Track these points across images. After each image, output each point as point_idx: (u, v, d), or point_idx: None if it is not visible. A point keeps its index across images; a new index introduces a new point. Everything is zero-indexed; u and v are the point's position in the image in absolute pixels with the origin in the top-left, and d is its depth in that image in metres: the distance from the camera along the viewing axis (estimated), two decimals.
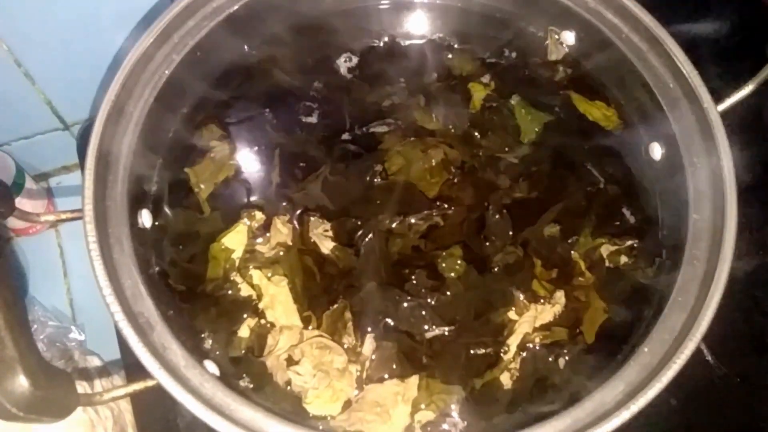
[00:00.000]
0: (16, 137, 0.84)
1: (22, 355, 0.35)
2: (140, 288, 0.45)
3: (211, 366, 0.46)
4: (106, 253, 0.45)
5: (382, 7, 0.62)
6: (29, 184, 0.84)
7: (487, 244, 0.53)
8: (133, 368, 0.42)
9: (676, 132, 0.52)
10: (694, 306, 0.45)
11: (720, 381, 0.60)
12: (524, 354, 0.49)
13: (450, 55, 0.61)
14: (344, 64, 0.61)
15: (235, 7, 0.56)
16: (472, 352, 0.49)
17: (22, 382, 0.34)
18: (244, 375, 0.48)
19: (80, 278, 0.90)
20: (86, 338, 0.85)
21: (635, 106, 0.57)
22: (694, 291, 0.46)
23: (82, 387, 0.73)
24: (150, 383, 0.42)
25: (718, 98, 0.50)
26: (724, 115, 0.50)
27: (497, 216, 0.53)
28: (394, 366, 0.48)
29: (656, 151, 0.55)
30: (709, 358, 0.60)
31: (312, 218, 0.53)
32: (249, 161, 0.57)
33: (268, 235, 0.53)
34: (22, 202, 0.84)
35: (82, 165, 0.74)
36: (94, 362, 0.80)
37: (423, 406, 0.48)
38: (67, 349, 0.80)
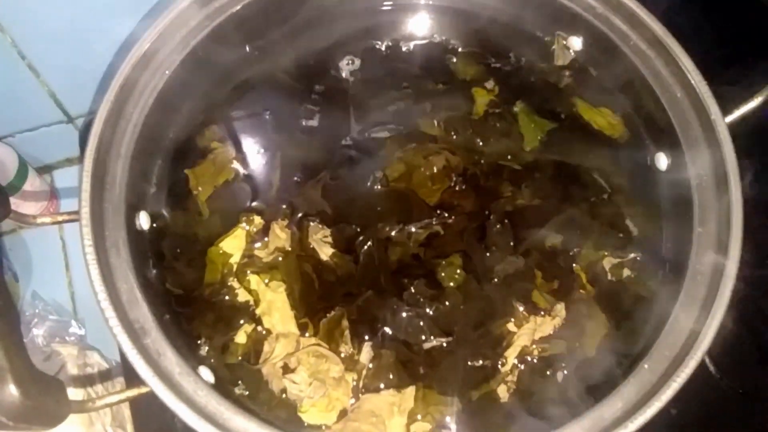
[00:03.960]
0: (20, 129, 0.84)
1: (13, 364, 0.35)
2: (136, 293, 0.45)
3: (205, 372, 0.46)
4: (102, 256, 0.45)
5: (384, 8, 0.61)
6: (32, 176, 0.84)
7: (488, 254, 0.52)
8: (132, 372, 0.41)
9: (682, 142, 0.51)
10: (696, 323, 0.44)
11: (722, 393, 0.59)
12: (522, 367, 0.49)
13: (454, 59, 0.60)
14: (346, 66, 0.60)
15: (238, 7, 0.55)
16: (469, 363, 0.49)
17: (12, 392, 0.34)
18: (240, 382, 0.48)
19: (82, 272, 0.89)
20: (86, 332, 0.85)
21: (642, 114, 0.56)
22: (697, 307, 0.45)
23: (81, 384, 0.73)
24: (144, 390, 0.42)
25: (726, 109, 0.49)
26: (732, 127, 0.49)
27: (498, 225, 0.52)
28: (391, 376, 0.48)
29: (662, 161, 0.54)
30: (711, 369, 0.60)
31: (311, 224, 0.53)
32: (249, 164, 0.56)
33: (266, 239, 0.53)
34: (24, 194, 0.84)
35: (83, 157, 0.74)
36: (94, 357, 0.80)
37: (419, 417, 0.47)
38: (66, 343, 0.80)
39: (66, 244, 0.91)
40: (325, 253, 0.52)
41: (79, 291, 0.89)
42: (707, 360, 0.60)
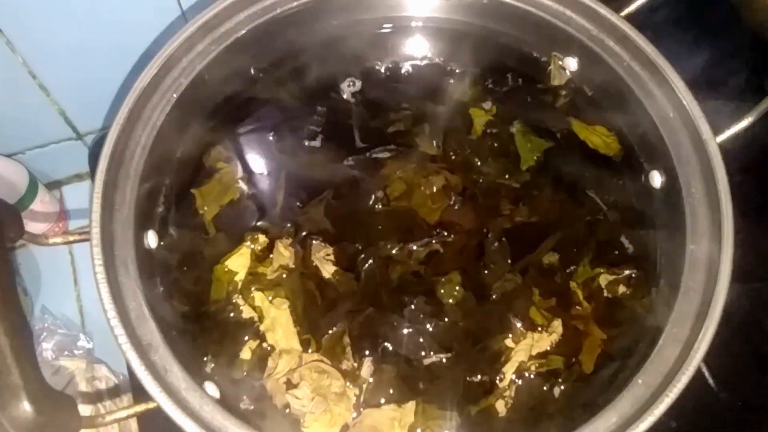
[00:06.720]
0: (30, 146, 0.86)
1: (27, 381, 0.36)
2: (144, 310, 0.46)
3: (211, 388, 0.47)
4: (111, 275, 0.46)
5: (384, 31, 0.63)
6: (42, 192, 0.86)
7: (486, 271, 0.53)
8: (140, 387, 0.43)
9: (675, 161, 0.52)
10: (688, 338, 0.45)
11: (721, 405, 0.60)
12: (519, 382, 0.50)
13: (452, 80, 0.62)
14: (348, 88, 0.61)
15: (243, 32, 0.57)
16: (468, 378, 0.50)
17: (26, 408, 0.35)
18: (245, 397, 0.49)
19: (90, 286, 0.90)
20: (94, 346, 0.86)
21: (636, 133, 0.57)
22: (689, 323, 0.46)
23: (89, 397, 0.74)
24: (151, 405, 0.43)
25: (717, 129, 0.50)
26: (724, 146, 0.50)
27: (496, 243, 0.53)
28: (392, 390, 0.49)
29: (656, 179, 0.55)
30: (710, 381, 0.60)
31: (314, 242, 0.54)
32: (254, 184, 0.58)
33: (270, 257, 0.54)
34: (34, 210, 0.85)
35: (93, 176, 0.76)
36: (102, 371, 0.81)
37: (419, 431, 0.48)
38: (74, 357, 0.81)
39: (75, 259, 0.93)
40: (328, 270, 0.53)
41: (88, 305, 0.91)
42: (706, 373, 0.60)
